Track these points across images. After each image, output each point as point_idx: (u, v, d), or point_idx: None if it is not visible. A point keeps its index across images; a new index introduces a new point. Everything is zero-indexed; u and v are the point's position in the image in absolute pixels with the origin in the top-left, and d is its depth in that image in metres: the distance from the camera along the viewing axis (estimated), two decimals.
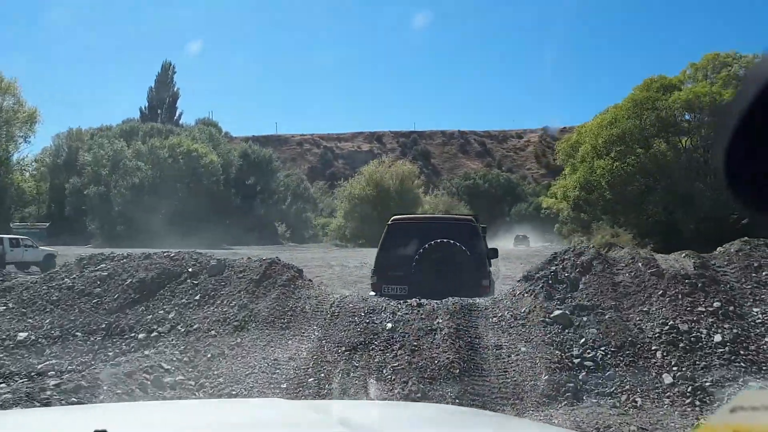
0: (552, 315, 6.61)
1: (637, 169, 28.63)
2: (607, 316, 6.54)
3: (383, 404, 3.71)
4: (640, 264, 7.43)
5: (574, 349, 6.11)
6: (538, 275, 7.45)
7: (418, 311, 6.85)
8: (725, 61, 29.93)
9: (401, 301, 7.16)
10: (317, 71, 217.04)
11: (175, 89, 74.77)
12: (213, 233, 44.06)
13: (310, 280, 8.63)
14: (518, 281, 7.90)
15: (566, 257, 7.75)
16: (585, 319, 6.56)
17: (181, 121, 72.30)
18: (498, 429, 1.97)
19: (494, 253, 9.36)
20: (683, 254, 8.06)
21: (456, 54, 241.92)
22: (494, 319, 6.80)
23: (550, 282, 7.22)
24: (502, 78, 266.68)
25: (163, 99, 73.16)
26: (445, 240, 7.98)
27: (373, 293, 8.22)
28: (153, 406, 2.80)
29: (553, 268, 7.51)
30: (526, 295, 7.15)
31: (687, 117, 29.04)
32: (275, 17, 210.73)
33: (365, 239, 59.10)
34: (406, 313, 6.82)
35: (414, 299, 7.13)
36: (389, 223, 8.82)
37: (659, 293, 6.85)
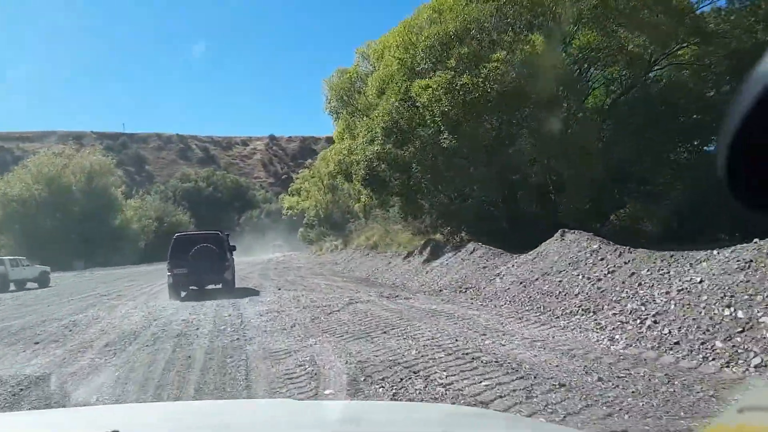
0: None
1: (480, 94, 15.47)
2: None
3: (390, 405, 3.50)
4: None
5: None
6: None
7: None
8: None
9: None
10: None
11: None
12: None
13: None
14: None
15: None
16: None
17: None
18: (506, 430, 1.89)
19: (234, 248, 18.26)
20: None
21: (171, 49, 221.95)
22: None
23: None
24: (229, 84, 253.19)
25: None
26: (205, 244, 16.56)
27: (168, 273, 16.36)
28: (162, 407, 2.75)
29: None
30: None
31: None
32: None
33: (46, 259, 40.12)
34: None
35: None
36: (174, 237, 17.27)
37: None
